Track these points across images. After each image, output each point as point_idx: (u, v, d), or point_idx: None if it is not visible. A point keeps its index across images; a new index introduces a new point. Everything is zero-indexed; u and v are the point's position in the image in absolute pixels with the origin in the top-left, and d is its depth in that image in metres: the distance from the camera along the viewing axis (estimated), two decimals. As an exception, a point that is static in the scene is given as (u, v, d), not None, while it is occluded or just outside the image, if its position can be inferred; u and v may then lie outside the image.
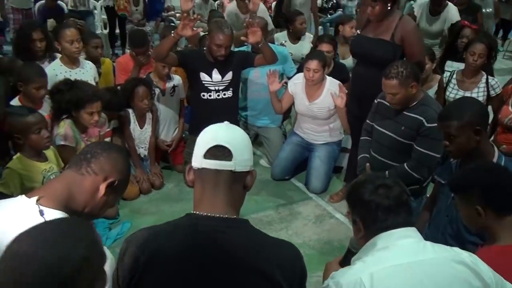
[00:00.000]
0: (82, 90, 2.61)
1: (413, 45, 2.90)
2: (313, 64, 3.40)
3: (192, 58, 3.40)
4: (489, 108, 3.47)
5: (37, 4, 6.63)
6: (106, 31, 6.92)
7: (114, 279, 1.19)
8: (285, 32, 4.75)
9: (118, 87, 3.54)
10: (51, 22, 4.53)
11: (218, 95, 3.44)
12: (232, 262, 1.14)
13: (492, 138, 3.39)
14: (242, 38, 3.36)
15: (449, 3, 4.51)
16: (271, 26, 5.07)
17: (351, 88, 3.35)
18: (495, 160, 1.97)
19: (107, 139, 3.21)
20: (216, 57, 3.28)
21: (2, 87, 1.77)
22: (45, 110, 2.88)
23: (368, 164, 2.92)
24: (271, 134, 4.08)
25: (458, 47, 3.98)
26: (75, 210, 1.30)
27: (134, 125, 3.43)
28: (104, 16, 6.92)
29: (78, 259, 0.90)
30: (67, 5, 6.45)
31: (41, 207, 1.23)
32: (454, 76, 3.56)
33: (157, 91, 3.55)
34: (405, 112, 2.67)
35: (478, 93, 3.46)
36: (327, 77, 3.62)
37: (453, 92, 3.50)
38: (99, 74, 3.60)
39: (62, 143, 2.66)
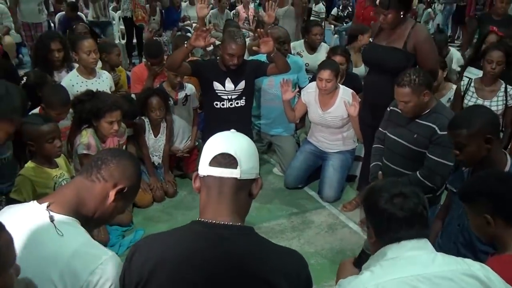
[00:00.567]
0: (102, 100, 2.68)
1: (426, 54, 2.88)
2: (326, 74, 3.41)
3: (205, 68, 3.44)
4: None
5: (58, 15, 6.83)
6: (123, 41, 7.07)
7: (121, 284, 1.21)
8: (301, 42, 4.78)
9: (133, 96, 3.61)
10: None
11: (231, 104, 3.47)
12: (237, 270, 1.14)
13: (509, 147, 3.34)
14: (254, 48, 3.39)
15: (451, 49, 4.53)
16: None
17: (364, 96, 3.34)
18: (507, 168, 1.94)
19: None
20: (228, 66, 3.32)
21: (19, 97, 1.82)
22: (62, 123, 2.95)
23: (380, 172, 2.89)
24: (284, 143, 4.09)
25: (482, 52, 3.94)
26: (85, 216, 1.33)
27: (148, 134, 3.48)
28: (122, 27, 7.07)
29: None
30: (86, 16, 6.64)
31: (51, 213, 1.25)
32: (472, 84, 3.50)
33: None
34: (417, 120, 2.65)
35: (498, 101, 3.40)
36: (340, 85, 3.62)
37: (472, 101, 3.44)
38: (117, 81, 3.70)
39: (85, 152, 2.72)
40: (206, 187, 1.22)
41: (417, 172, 2.65)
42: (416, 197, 1.38)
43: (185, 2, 7.71)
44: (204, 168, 1.22)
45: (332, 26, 8.51)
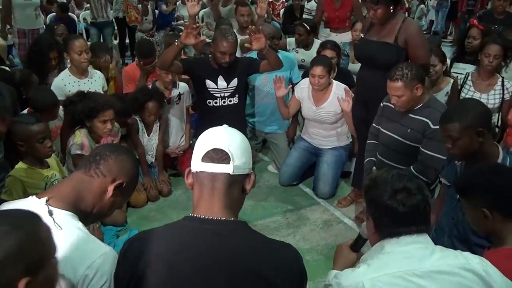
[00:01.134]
0: (93, 100, 2.67)
1: (417, 48, 2.88)
2: (318, 70, 3.41)
3: (197, 66, 3.43)
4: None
5: (49, 16, 6.79)
6: (116, 42, 7.04)
7: (115, 279, 1.21)
8: (293, 39, 4.79)
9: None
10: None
11: (224, 102, 3.46)
12: (231, 264, 1.14)
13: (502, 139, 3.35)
14: (246, 45, 3.39)
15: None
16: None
17: (356, 91, 3.34)
18: (499, 160, 1.94)
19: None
20: (220, 64, 3.30)
21: (10, 97, 1.81)
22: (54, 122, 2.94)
23: (374, 167, 2.90)
24: (279, 140, 4.09)
25: (466, 47, 3.95)
26: (84, 211, 1.33)
27: (142, 133, 3.47)
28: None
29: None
30: (78, 17, 6.60)
31: (50, 208, 1.26)
32: (469, 77, 3.51)
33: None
34: (410, 115, 2.65)
35: (495, 95, 3.41)
36: (333, 81, 3.61)
37: (469, 94, 3.44)
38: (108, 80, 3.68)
39: (79, 152, 2.70)
40: (199, 183, 1.21)
41: (411, 167, 2.65)
42: (420, 194, 1.36)
43: (178, 1, 7.67)
44: (197, 163, 1.21)
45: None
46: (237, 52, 3.45)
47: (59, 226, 1.22)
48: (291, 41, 4.81)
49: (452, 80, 3.65)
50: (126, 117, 3.31)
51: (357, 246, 1.64)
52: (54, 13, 6.66)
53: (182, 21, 7.54)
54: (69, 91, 3.19)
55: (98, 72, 3.49)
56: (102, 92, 3.38)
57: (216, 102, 3.45)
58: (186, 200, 3.63)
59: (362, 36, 3.14)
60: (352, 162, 3.81)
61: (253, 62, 3.50)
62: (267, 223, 3.33)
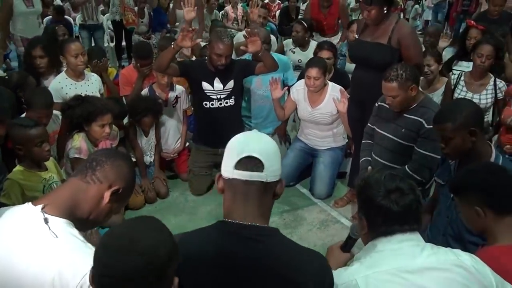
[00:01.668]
0: (92, 104, 2.67)
1: (410, 48, 2.92)
2: (314, 71, 3.42)
3: (193, 68, 3.45)
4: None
5: (45, 19, 6.77)
6: (112, 44, 7.04)
7: None
8: (290, 40, 4.82)
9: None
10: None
11: (220, 104, 3.48)
12: (265, 271, 1.15)
13: (496, 138, 3.39)
14: (242, 47, 3.41)
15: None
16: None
17: (352, 92, 3.37)
18: (492, 159, 1.97)
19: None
20: (217, 66, 3.32)
21: (8, 100, 1.82)
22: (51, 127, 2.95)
23: (370, 167, 2.92)
24: (276, 141, 4.10)
25: (467, 47, 3.99)
26: (80, 217, 1.32)
27: (139, 135, 3.48)
28: (111, 29, 7.05)
29: (170, 245, 1.02)
30: (74, 20, 6.60)
31: (46, 215, 1.25)
32: (462, 78, 3.54)
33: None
34: (405, 115, 2.68)
35: (487, 95, 3.45)
36: (329, 82, 3.64)
37: (462, 94, 3.48)
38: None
39: (77, 156, 2.71)
40: (232, 189, 1.22)
41: (406, 166, 2.68)
42: (412, 193, 1.38)
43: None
44: (230, 171, 1.20)
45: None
46: (232, 55, 3.48)
47: (55, 234, 1.22)
48: (287, 42, 4.85)
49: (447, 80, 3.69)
50: (123, 118, 3.32)
51: (347, 246, 1.66)
52: (50, 16, 6.65)
53: (178, 23, 7.55)
54: (66, 93, 3.20)
55: (95, 75, 3.50)
56: (99, 95, 3.39)
57: (212, 104, 3.47)
58: (183, 202, 3.65)
59: (357, 37, 3.17)
60: (348, 162, 3.83)
61: (249, 64, 3.53)
62: (264, 223, 3.34)
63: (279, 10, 8.40)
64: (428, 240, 2.19)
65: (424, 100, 2.67)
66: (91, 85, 3.36)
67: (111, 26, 6.99)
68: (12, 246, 1.24)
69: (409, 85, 2.56)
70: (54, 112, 2.93)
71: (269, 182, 1.20)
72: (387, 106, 2.72)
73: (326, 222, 3.40)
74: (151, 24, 6.72)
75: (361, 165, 2.99)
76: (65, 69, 3.39)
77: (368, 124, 2.98)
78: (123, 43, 7.01)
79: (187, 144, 3.93)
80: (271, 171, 1.20)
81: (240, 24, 7.60)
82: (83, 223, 1.35)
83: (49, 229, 1.23)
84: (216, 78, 3.42)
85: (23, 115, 2.79)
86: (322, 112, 3.60)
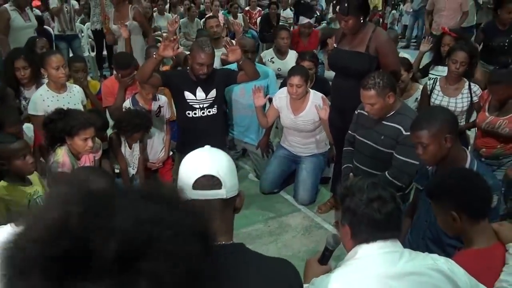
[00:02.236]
0: (74, 117, 2.66)
1: (387, 56, 3.00)
2: (296, 79, 3.48)
3: (175, 78, 3.47)
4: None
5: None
6: (93, 54, 7.00)
7: None
8: (271, 50, 4.86)
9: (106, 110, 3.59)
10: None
11: (203, 113, 3.50)
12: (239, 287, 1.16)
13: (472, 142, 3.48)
14: (223, 56, 3.45)
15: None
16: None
17: (332, 100, 3.43)
18: (467, 164, 2.04)
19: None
20: (198, 76, 3.35)
21: None
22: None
23: (351, 174, 2.98)
24: (258, 149, 4.14)
25: (442, 53, 4.10)
26: None
27: (123, 146, 3.48)
28: (91, 39, 7.01)
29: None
30: (53, 30, 6.55)
31: None
32: (437, 83, 3.64)
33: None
34: (383, 122, 2.75)
35: (462, 98, 3.54)
36: (311, 90, 3.70)
37: (438, 99, 3.57)
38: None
39: (60, 170, 2.70)
40: None
41: (386, 172, 2.74)
42: (393, 202, 1.43)
43: (154, 12, 7.69)
44: (188, 191, 1.17)
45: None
46: (216, 64, 3.51)
47: None
48: (266, 53, 4.91)
49: (421, 86, 3.78)
50: (105, 130, 3.32)
51: (325, 259, 1.66)
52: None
53: (159, 32, 7.55)
54: (48, 106, 3.18)
55: (77, 86, 3.48)
56: (82, 106, 3.38)
57: (195, 113, 3.49)
58: (168, 211, 3.65)
59: (335, 46, 3.23)
60: (330, 168, 3.89)
61: (231, 73, 3.56)
62: (249, 231, 3.37)
63: (260, 17, 8.49)
64: (409, 244, 2.28)
65: (401, 107, 2.75)
66: (73, 97, 3.34)
67: (92, 35, 6.95)
68: None
69: (387, 92, 2.63)
70: (27, 125, 2.94)
71: (229, 198, 1.20)
72: (366, 113, 2.79)
73: (310, 228, 3.45)
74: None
75: (343, 172, 3.05)
76: (46, 81, 3.37)
77: (349, 131, 3.05)
78: (104, 52, 6.97)
79: (171, 153, 3.93)
80: (230, 187, 1.20)
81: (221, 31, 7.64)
82: None
83: None
84: (198, 87, 3.45)
85: None
86: (304, 119, 3.65)
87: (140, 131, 3.35)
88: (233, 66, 3.75)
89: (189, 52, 3.52)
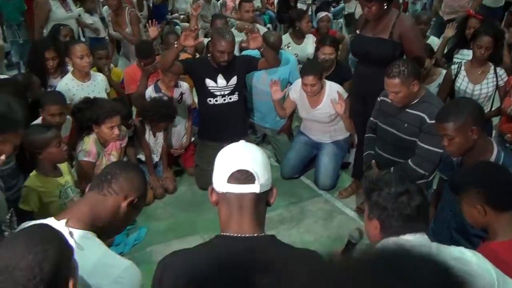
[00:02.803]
0: (101, 106, 2.72)
1: (412, 42, 2.96)
2: (309, 79, 3.43)
3: (196, 66, 3.49)
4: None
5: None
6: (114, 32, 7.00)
7: None
8: (287, 35, 4.75)
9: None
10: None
11: (224, 100, 3.53)
12: (268, 279, 1.19)
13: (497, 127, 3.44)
14: (244, 44, 3.44)
15: (430, 36, 4.53)
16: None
17: (354, 86, 3.41)
18: (494, 155, 2.03)
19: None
20: (219, 63, 3.37)
21: (22, 111, 1.87)
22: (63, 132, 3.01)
23: (374, 161, 2.99)
24: (280, 134, 4.16)
25: (467, 37, 4.01)
26: (100, 229, 1.40)
27: (148, 134, 3.54)
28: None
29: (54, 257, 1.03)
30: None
31: (70, 229, 1.33)
32: (462, 68, 3.58)
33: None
34: (407, 110, 2.73)
35: (488, 83, 3.49)
36: (326, 82, 3.62)
37: (463, 84, 3.52)
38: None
39: (85, 158, 2.78)
40: (226, 202, 1.25)
41: (409, 160, 2.74)
42: (422, 195, 1.45)
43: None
44: (222, 185, 1.23)
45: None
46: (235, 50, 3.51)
47: (81, 246, 1.29)
48: (282, 38, 4.78)
49: (443, 72, 3.72)
50: (129, 119, 3.37)
51: (348, 252, 1.69)
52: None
53: (177, 14, 7.53)
54: (74, 94, 3.25)
55: (101, 74, 3.54)
56: (106, 94, 3.44)
57: (216, 100, 3.52)
58: (190, 196, 3.72)
59: (358, 32, 3.20)
60: (351, 153, 3.90)
61: (251, 60, 3.56)
62: (271, 216, 3.42)
63: (278, -2, 8.36)
64: (433, 233, 2.29)
65: (425, 95, 2.72)
66: (97, 85, 3.40)
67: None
68: None
69: (411, 81, 2.60)
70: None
71: (262, 192, 1.23)
72: (389, 101, 2.77)
73: (331, 214, 3.48)
74: (150, 16, 6.70)
75: (364, 159, 3.06)
76: (70, 69, 3.43)
77: (371, 118, 3.04)
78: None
79: (193, 138, 3.98)
80: (263, 182, 1.22)
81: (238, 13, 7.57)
82: (103, 233, 1.43)
83: (75, 242, 1.30)
84: (219, 75, 3.46)
85: (39, 119, 2.85)
86: (322, 112, 3.62)
87: (166, 121, 3.40)
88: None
89: (208, 40, 3.51)
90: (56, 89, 3.28)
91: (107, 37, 5.50)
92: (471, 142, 1.98)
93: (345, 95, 3.52)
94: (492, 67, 3.50)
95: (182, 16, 7.56)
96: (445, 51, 4.33)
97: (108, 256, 1.34)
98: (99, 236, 1.39)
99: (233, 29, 4.15)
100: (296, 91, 3.72)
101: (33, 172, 2.34)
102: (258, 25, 4.89)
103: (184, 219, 3.42)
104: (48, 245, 1.04)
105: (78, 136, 2.81)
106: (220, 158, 1.28)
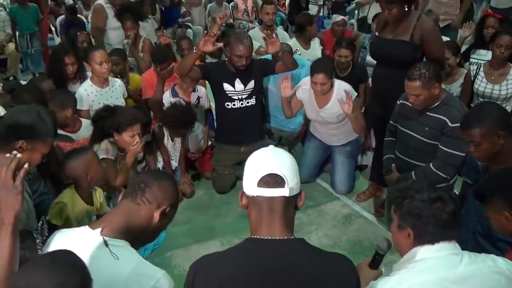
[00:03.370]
0: (121, 114, 2.74)
1: (433, 44, 2.94)
2: (319, 77, 3.27)
3: (214, 70, 3.50)
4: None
5: (58, 19, 6.85)
6: (125, 41, 7.06)
7: None
8: (294, 40, 4.66)
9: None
10: None
11: (242, 104, 3.53)
12: (300, 282, 1.22)
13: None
14: (262, 49, 3.45)
15: None
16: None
17: (373, 89, 3.39)
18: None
19: (140, 154, 3.34)
20: (237, 67, 3.37)
21: (51, 120, 1.89)
22: (83, 134, 3.05)
23: (393, 164, 2.97)
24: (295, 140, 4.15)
25: (485, 36, 3.98)
26: (134, 237, 1.41)
27: (166, 139, 3.56)
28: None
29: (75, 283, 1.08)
30: (86, 18, 6.64)
31: (105, 238, 1.34)
32: (481, 68, 3.55)
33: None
34: (428, 113, 2.71)
35: (508, 85, 3.46)
36: (335, 81, 3.50)
37: (482, 86, 3.49)
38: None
39: (104, 156, 2.80)
40: (256, 206, 1.28)
41: (430, 164, 2.72)
42: (454, 202, 1.44)
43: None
44: (252, 188, 1.27)
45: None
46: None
47: (116, 256, 1.30)
48: (292, 42, 4.65)
49: (465, 71, 3.69)
50: (148, 127, 3.39)
51: (376, 263, 1.67)
52: (63, 16, 6.71)
53: (189, 18, 7.56)
54: (92, 100, 3.28)
55: (119, 80, 3.56)
56: (123, 100, 3.46)
57: (234, 105, 3.53)
58: (208, 200, 3.73)
59: (377, 34, 3.18)
60: (368, 156, 3.88)
61: (269, 63, 3.56)
62: (289, 220, 3.41)
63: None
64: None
65: (446, 98, 2.70)
66: (115, 91, 3.42)
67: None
68: None
69: (432, 83, 2.59)
70: (87, 121, 3.04)
71: (291, 196, 1.26)
72: (410, 104, 2.75)
73: (349, 217, 3.47)
74: (162, 20, 6.74)
75: (384, 163, 3.04)
76: (89, 74, 3.46)
77: (390, 121, 3.02)
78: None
79: (210, 142, 4.00)
80: (292, 185, 1.26)
81: (250, 15, 7.59)
82: (136, 242, 1.44)
83: (110, 251, 1.32)
84: (237, 79, 3.47)
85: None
86: (330, 112, 3.49)
87: (186, 127, 3.42)
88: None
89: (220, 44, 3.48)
90: (76, 95, 3.30)
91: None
92: (498, 147, 1.97)
93: (354, 94, 3.42)
94: None
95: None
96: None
97: (143, 265, 1.35)
98: (132, 245, 1.40)
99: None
100: (304, 90, 3.56)
101: (71, 190, 2.36)
102: (278, 29, 4.86)
103: (203, 223, 3.43)
104: (71, 270, 1.10)
105: (96, 141, 2.83)
106: (250, 162, 1.32)
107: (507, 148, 2.01)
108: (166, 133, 3.52)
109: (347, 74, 3.97)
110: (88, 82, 3.34)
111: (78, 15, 6.60)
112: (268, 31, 3.33)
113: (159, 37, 4.54)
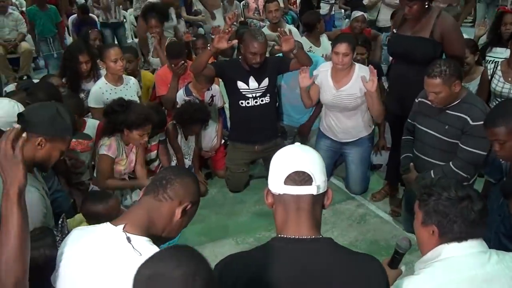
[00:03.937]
0: (135, 112, 2.73)
1: (453, 41, 2.89)
2: (342, 47, 3.15)
3: (228, 68, 3.48)
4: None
5: (70, 18, 6.87)
6: (136, 40, 7.08)
7: None
8: (304, 38, 4.60)
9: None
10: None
11: (256, 102, 3.50)
12: (326, 282, 1.19)
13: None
14: (276, 47, 3.41)
15: None
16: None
17: (391, 87, 3.34)
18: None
19: (154, 152, 3.32)
20: (251, 65, 3.34)
21: (69, 117, 1.87)
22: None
23: (412, 163, 2.92)
24: (311, 137, 4.11)
25: (503, 33, 3.91)
26: (155, 234, 1.38)
27: (180, 137, 3.54)
28: (134, 25, 7.08)
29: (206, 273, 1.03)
30: (98, 17, 6.65)
31: (128, 234, 1.31)
32: (498, 67, 3.48)
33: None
34: (448, 111, 2.66)
35: None
36: (356, 63, 3.43)
37: (499, 85, 3.41)
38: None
39: (105, 152, 2.79)
40: (283, 204, 1.25)
41: (450, 163, 2.67)
42: (482, 200, 1.41)
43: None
44: (279, 186, 1.23)
45: (342, 10, 8.43)
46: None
47: (139, 252, 1.27)
48: (303, 41, 4.56)
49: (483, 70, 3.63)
50: (162, 127, 3.38)
51: (395, 262, 1.64)
52: (75, 15, 6.73)
53: (200, 16, 7.53)
54: (107, 98, 3.26)
55: (133, 78, 3.55)
56: (137, 97, 3.44)
57: (248, 103, 3.50)
58: (222, 199, 3.71)
59: (395, 31, 3.14)
60: (383, 156, 3.83)
61: (283, 61, 3.53)
62: (304, 219, 3.38)
63: (300, -2, 8.31)
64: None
65: (467, 96, 2.65)
66: (130, 89, 3.41)
67: (134, 22, 7.02)
68: (98, 266, 1.30)
69: (453, 81, 2.54)
70: (91, 120, 3.02)
71: (318, 194, 1.23)
72: (428, 102, 2.70)
73: (365, 217, 3.43)
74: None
75: (402, 162, 2.99)
76: (103, 72, 3.45)
77: (408, 120, 2.97)
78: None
79: (223, 141, 3.97)
80: (320, 183, 1.22)
81: (261, 14, 7.55)
82: (158, 239, 1.41)
83: (133, 247, 1.29)
84: (251, 77, 3.44)
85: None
86: (348, 93, 3.33)
87: (200, 124, 3.40)
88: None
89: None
90: (91, 93, 3.31)
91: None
92: (524, 145, 1.92)
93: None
94: None
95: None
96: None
97: None
98: (154, 243, 1.38)
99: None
100: (321, 72, 3.44)
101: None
102: (289, 26, 4.84)
103: (217, 222, 3.41)
104: (199, 260, 1.06)
105: (106, 134, 2.83)
106: (276, 159, 1.28)
107: (533, 146, 1.96)
108: (179, 131, 3.51)
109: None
110: (102, 80, 3.34)
111: (90, 14, 6.60)
112: (282, 29, 3.28)
113: (186, 37, 4.54)
